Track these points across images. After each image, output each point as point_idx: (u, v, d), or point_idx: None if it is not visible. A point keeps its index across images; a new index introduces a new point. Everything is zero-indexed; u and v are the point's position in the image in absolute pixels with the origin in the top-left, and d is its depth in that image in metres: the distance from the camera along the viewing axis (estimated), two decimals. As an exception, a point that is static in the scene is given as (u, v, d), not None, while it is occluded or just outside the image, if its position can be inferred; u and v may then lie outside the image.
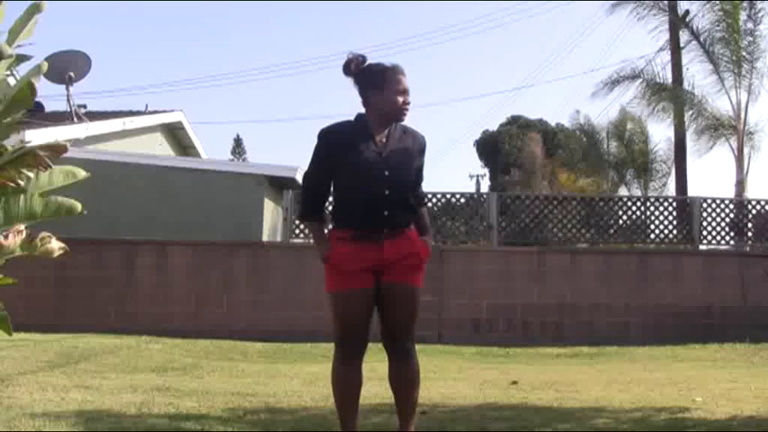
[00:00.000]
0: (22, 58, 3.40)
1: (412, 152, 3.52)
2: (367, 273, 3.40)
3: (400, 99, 3.47)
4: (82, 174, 3.50)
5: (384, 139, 3.47)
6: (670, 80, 16.81)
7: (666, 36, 17.51)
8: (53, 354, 7.35)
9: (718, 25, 15.70)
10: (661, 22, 17.40)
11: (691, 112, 15.98)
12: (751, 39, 15.45)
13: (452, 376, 7.00)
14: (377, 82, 3.47)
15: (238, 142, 44.33)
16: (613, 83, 17.51)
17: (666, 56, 17.48)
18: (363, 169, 3.39)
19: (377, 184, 3.38)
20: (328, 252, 3.42)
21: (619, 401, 5.29)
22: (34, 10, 3.37)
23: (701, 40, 16.01)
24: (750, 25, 15.47)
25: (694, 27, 16.34)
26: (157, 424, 4.19)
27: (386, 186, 3.38)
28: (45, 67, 3.29)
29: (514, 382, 6.42)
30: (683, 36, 17.10)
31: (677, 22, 16.77)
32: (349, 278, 3.38)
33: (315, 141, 3.48)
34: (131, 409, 4.60)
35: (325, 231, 3.58)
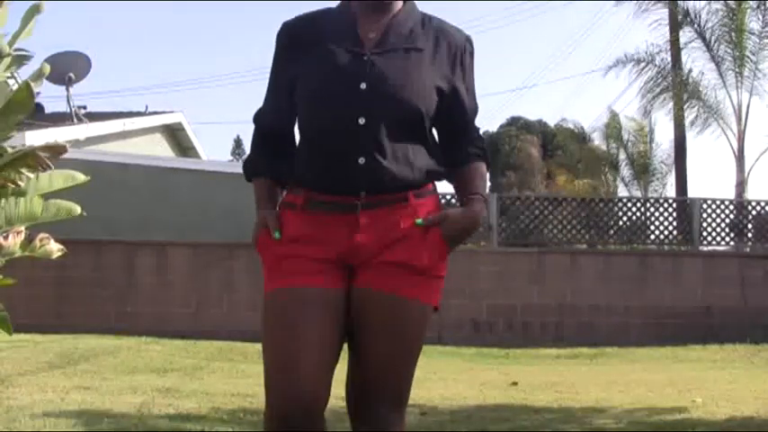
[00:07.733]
0: (22, 59, 3.41)
1: (429, 57, 1.95)
2: (328, 266, 1.89)
3: None
4: (82, 177, 3.51)
5: (377, 34, 1.93)
6: (671, 68, 16.67)
7: (668, 30, 17.44)
8: (53, 354, 7.35)
9: (722, 25, 15.62)
10: (663, 16, 17.31)
11: (686, 96, 15.87)
12: (757, 40, 15.40)
13: (452, 377, 7.00)
14: None
15: (238, 143, 44.20)
16: (623, 63, 17.17)
17: (667, 46, 17.36)
18: (327, 80, 1.89)
19: (345, 106, 1.87)
20: (260, 228, 2.05)
21: (619, 402, 5.29)
22: (34, 11, 3.38)
23: (705, 37, 15.92)
24: (754, 25, 15.41)
25: (698, 24, 16.22)
26: (158, 425, 4.19)
27: (361, 111, 1.85)
28: (47, 70, 3.31)
29: (514, 383, 6.43)
30: (684, 36, 17.02)
31: (679, 19, 16.68)
32: (293, 270, 1.88)
33: None
34: (131, 409, 4.60)
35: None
